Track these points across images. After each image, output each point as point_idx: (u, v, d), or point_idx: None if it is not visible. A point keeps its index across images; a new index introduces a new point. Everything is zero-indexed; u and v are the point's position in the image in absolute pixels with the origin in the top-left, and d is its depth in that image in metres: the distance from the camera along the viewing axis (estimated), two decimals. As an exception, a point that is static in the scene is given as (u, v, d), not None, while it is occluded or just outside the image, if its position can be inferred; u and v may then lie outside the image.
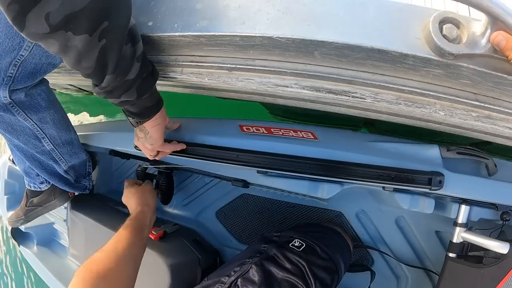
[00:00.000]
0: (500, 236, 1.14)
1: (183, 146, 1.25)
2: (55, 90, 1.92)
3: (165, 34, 0.93)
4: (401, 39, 0.76)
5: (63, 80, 1.58)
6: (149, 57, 1.04)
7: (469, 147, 1.11)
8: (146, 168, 1.61)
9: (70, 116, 2.99)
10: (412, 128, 1.08)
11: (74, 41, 0.73)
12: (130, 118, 1.08)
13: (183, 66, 1.02)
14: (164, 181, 1.62)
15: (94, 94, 0.93)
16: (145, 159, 1.47)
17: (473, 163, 1.14)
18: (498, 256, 1.05)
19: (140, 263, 1.12)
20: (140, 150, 1.27)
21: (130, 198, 1.42)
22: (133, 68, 0.88)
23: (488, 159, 1.10)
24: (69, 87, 2.18)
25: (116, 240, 1.10)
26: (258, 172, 1.22)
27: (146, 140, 1.15)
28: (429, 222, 1.34)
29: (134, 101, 0.97)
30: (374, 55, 0.78)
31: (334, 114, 1.12)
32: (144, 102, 1.01)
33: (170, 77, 1.05)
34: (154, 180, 1.64)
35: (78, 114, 3.07)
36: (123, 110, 1.06)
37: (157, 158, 1.27)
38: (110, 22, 0.74)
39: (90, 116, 3.02)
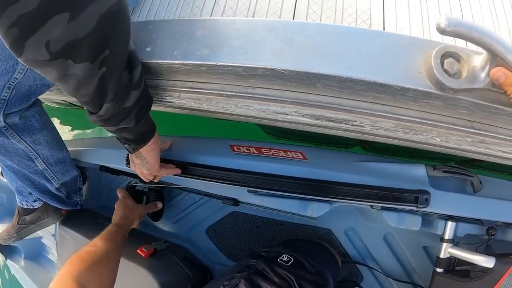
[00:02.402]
0: (487, 250, 1.14)
1: (179, 171, 1.21)
2: (43, 103, 1.85)
3: (165, 61, 0.88)
4: (403, 73, 0.74)
5: (56, 97, 1.51)
6: (145, 81, 1.00)
7: (455, 165, 1.10)
8: (136, 185, 1.56)
9: (64, 128, 2.90)
10: (405, 148, 1.07)
11: (74, 69, 0.68)
12: (127, 146, 1.04)
13: (181, 92, 0.98)
14: (154, 198, 1.58)
15: (91, 121, 0.88)
16: (135, 176, 1.42)
17: (459, 181, 1.14)
18: (484, 270, 1.04)
19: (116, 269, 1.10)
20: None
21: (116, 208, 1.42)
22: (131, 96, 0.84)
23: (473, 176, 1.09)
24: (62, 102, 2.10)
25: (92, 245, 1.09)
26: (249, 191, 1.19)
27: (143, 166, 1.11)
28: (416, 238, 1.34)
29: (131, 127, 0.93)
30: (376, 88, 0.76)
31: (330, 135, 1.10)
32: (140, 128, 0.97)
33: (166, 101, 1.01)
34: (144, 197, 1.59)
35: (71, 125, 2.97)
36: (118, 138, 1.01)
37: (155, 180, 1.23)
38: (111, 50, 0.70)
39: (83, 128, 2.92)
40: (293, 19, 0.98)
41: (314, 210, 1.16)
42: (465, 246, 1.16)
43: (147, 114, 0.95)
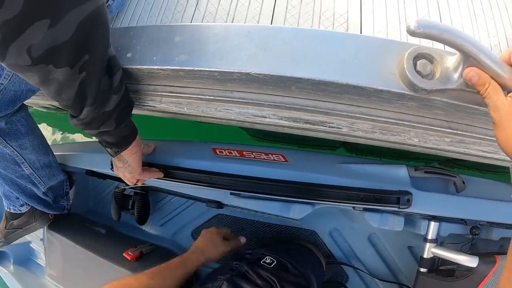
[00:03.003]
0: (472, 249, 1.14)
1: (161, 174, 1.20)
2: (31, 107, 1.83)
3: (144, 66, 0.88)
4: (376, 75, 0.73)
5: (42, 101, 1.51)
6: (127, 86, 0.99)
7: (437, 166, 1.09)
8: (124, 189, 1.55)
9: (51, 132, 2.89)
10: (388, 149, 1.06)
11: (55, 74, 0.69)
12: (108, 149, 1.03)
13: (162, 96, 0.97)
14: (140, 201, 1.56)
15: (72, 125, 0.88)
16: (121, 180, 1.41)
17: (441, 181, 1.13)
18: (469, 269, 1.03)
19: None
20: None
21: (199, 239, 1.28)
22: (111, 100, 0.84)
23: (455, 176, 1.08)
24: (49, 106, 2.10)
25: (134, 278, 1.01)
26: (231, 194, 1.19)
27: (126, 169, 1.11)
28: (401, 238, 1.33)
29: (112, 131, 0.92)
30: (349, 90, 0.75)
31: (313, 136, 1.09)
32: (121, 131, 0.96)
33: (149, 106, 1.00)
34: (130, 201, 1.57)
35: (58, 130, 2.96)
36: (100, 141, 1.01)
37: (137, 184, 1.22)
38: (90, 56, 0.70)
39: (71, 133, 2.91)
40: (271, 23, 0.97)
41: (296, 212, 1.15)
42: (450, 245, 1.15)
43: (128, 118, 0.95)
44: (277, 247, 1.26)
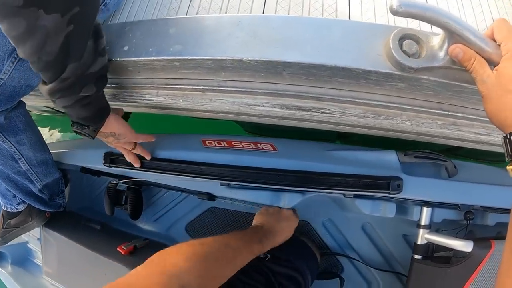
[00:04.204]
0: (468, 235, 1.11)
1: (153, 138, 1.18)
2: (30, 111, 1.84)
3: (140, 58, 0.88)
4: (364, 56, 0.73)
5: (40, 102, 1.51)
6: (125, 80, 0.99)
7: (426, 151, 1.06)
8: (117, 184, 1.53)
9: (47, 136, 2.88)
10: (384, 139, 1.04)
11: (43, 21, 0.67)
12: (86, 130, 0.98)
13: (158, 89, 0.97)
14: (132, 196, 1.53)
15: (45, 95, 0.85)
16: (115, 176, 1.39)
17: (433, 166, 1.11)
18: (465, 255, 1.00)
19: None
20: (111, 166, 1.24)
21: (262, 214, 1.18)
22: (97, 61, 0.83)
23: (446, 161, 1.06)
24: (47, 109, 2.10)
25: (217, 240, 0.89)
26: (221, 184, 1.17)
27: (119, 139, 1.07)
28: (395, 226, 1.30)
29: (91, 98, 0.89)
30: (338, 73, 0.75)
31: (309, 129, 1.08)
32: (99, 101, 0.93)
33: (146, 99, 1.00)
34: (123, 196, 1.55)
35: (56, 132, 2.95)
36: (75, 125, 0.98)
37: (138, 152, 1.18)
38: (80, 9, 0.69)
39: (66, 136, 2.89)
40: (263, 15, 0.98)
41: (287, 201, 1.13)
42: (445, 232, 1.13)
43: (105, 86, 0.93)
44: None
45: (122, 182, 1.48)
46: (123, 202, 1.53)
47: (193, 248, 0.78)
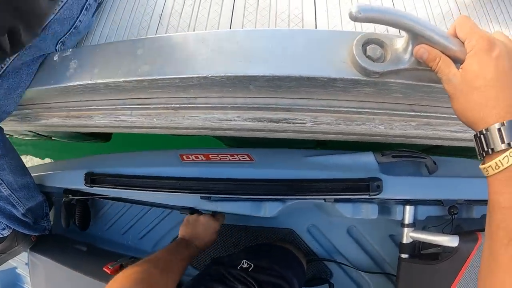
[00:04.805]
0: (456, 230, 1.10)
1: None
2: (11, 136, 1.80)
3: (110, 80, 0.87)
4: (329, 64, 0.71)
5: (21, 127, 1.49)
6: (99, 102, 0.98)
7: (404, 149, 1.05)
8: (72, 199, 1.52)
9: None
10: (364, 142, 1.03)
11: None
12: None
13: (132, 109, 0.96)
14: (79, 208, 1.55)
15: None
16: (96, 195, 1.39)
17: (413, 164, 1.10)
18: (452, 250, 0.98)
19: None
20: (92, 186, 1.24)
21: (184, 225, 1.24)
22: None
23: (425, 158, 1.04)
24: (28, 133, 2.07)
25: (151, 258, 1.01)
26: (202, 198, 1.15)
27: None
28: (381, 227, 1.28)
29: None
30: (304, 82, 0.73)
31: (287, 139, 1.06)
32: None
33: (121, 120, 0.99)
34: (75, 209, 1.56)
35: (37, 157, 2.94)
36: None
37: None
38: None
39: (48, 159, 2.88)
40: (230, 30, 0.96)
41: (267, 210, 1.11)
42: (432, 228, 1.12)
43: None
44: (254, 250, 1.22)
45: (77, 199, 1.50)
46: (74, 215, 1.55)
47: (128, 276, 0.88)
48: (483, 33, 0.58)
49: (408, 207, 1.06)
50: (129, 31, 1.05)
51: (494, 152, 0.54)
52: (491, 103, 0.55)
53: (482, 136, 0.55)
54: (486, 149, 0.55)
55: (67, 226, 1.53)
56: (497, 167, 0.54)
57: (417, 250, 1.08)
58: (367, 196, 1.02)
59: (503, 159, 0.53)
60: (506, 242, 0.52)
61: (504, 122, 0.53)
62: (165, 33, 0.99)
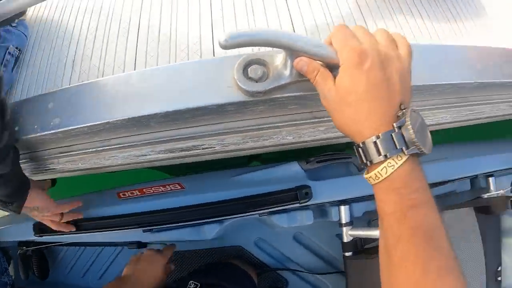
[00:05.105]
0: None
1: (75, 204, 1.17)
2: None
3: (29, 136, 0.88)
4: (216, 92, 0.73)
5: None
6: (27, 155, 0.99)
7: (327, 153, 1.07)
8: (27, 250, 1.52)
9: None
10: (294, 151, 1.05)
11: None
12: (11, 206, 0.95)
13: (58, 157, 0.98)
14: (35, 258, 1.55)
15: None
16: (52, 243, 1.41)
17: (341, 165, 1.12)
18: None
19: None
20: (41, 235, 1.23)
21: (127, 263, 1.25)
22: (3, 136, 0.80)
23: (351, 157, 1.07)
24: None
25: None
26: (144, 231, 1.18)
27: (42, 213, 1.07)
28: (326, 229, 1.31)
29: (9, 175, 0.87)
30: (197, 113, 0.75)
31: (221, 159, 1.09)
32: (19, 175, 0.92)
33: (51, 169, 1.01)
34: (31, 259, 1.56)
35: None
36: (0, 205, 0.95)
37: (67, 219, 1.17)
38: None
39: None
40: (135, 69, 0.99)
41: (206, 233, 1.14)
42: (375, 221, 1.14)
43: (18, 161, 0.91)
44: (201, 270, 1.25)
45: (32, 250, 1.50)
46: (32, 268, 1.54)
47: None
48: (355, 45, 0.57)
49: (342, 207, 1.08)
50: (48, 81, 1.07)
51: (372, 164, 0.55)
52: (364, 116, 0.56)
53: (360, 149, 0.57)
54: (365, 161, 0.57)
55: (26, 278, 1.52)
56: (377, 178, 0.55)
57: (360, 246, 1.10)
58: (298, 205, 1.04)
59: (381, 170, 0.54)
60: (395, 242, 0.54)
61: (380, 134, 0.54)
62: (78, 79, 1.02)
